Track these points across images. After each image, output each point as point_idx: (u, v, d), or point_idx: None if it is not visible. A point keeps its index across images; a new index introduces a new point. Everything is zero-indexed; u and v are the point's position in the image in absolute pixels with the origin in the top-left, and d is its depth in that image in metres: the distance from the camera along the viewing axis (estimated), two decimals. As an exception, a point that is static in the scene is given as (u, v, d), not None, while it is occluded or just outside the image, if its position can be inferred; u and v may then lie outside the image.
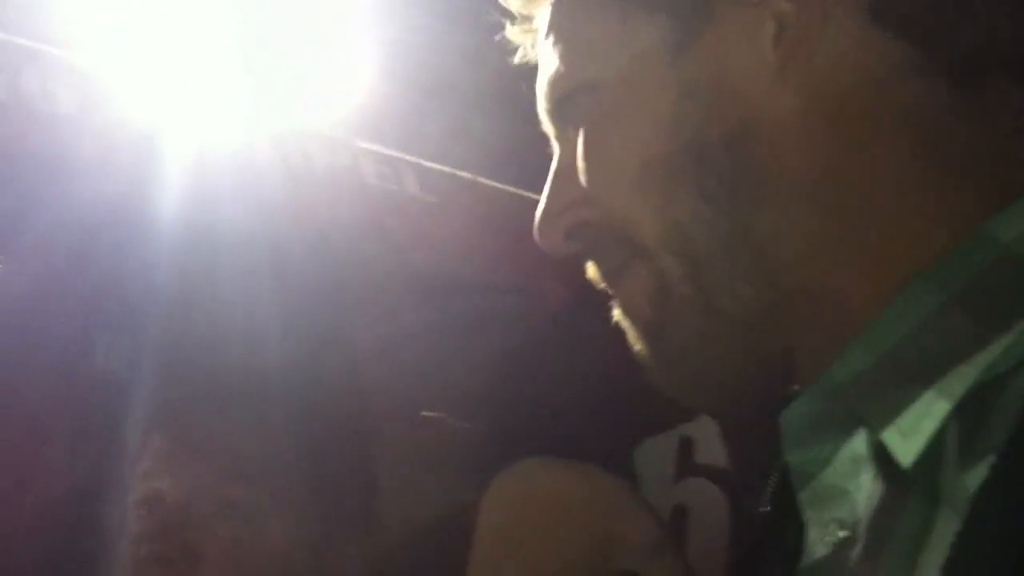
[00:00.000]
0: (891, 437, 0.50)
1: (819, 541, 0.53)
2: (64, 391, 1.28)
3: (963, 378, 0.48)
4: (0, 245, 1.24)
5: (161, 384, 1.14)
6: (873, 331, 0.50)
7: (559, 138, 0.65)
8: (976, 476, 0.45)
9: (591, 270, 0.65)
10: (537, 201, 0.66)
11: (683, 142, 0.56)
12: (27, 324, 1.29)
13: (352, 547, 1.08)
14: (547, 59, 0.63)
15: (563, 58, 0.62)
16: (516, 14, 0.68)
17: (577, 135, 0.61)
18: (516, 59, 0.68)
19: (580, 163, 0.60)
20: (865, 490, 0.52)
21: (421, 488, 1.12)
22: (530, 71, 0.68)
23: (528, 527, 0.76)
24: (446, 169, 1.14)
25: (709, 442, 1.25)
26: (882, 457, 0.51)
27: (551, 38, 0.63)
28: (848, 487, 0.53)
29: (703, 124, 0.56)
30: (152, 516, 1.04)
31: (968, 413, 0.47)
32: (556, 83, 0.62)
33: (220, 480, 1.05)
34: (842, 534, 0.52)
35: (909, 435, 0.49)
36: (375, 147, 1.12)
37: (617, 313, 0.63)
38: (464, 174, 1.18)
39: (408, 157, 1.11)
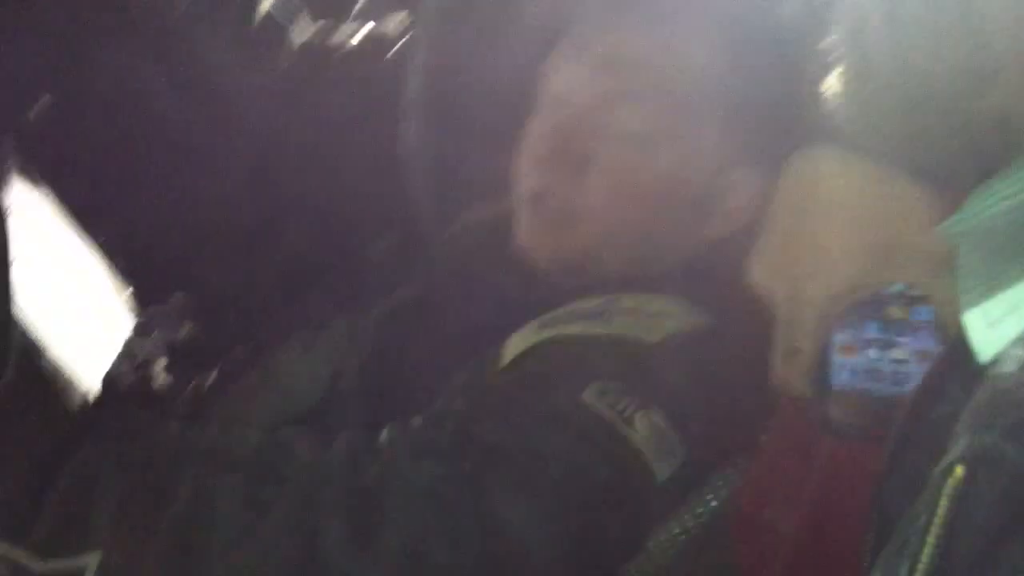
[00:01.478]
0: (975, 321, 0.45)
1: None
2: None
3: None
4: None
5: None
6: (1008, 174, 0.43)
7: None
8: None
9: None
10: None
11: None
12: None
13: (750, 182, 1.05)
14: None
15: None
16: None
17: None
18: None
19: None
20: None
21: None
22: None
23: (812, 219, 0.78)
24: None
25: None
26: None
27: None
28: None
29: None
30: (553, 114, 1.09)
31: None
32: None
33: (619, 96, 1.05)
34: None
35: (995, 326, 0.44)
36: None
37: None
38: None
39: None
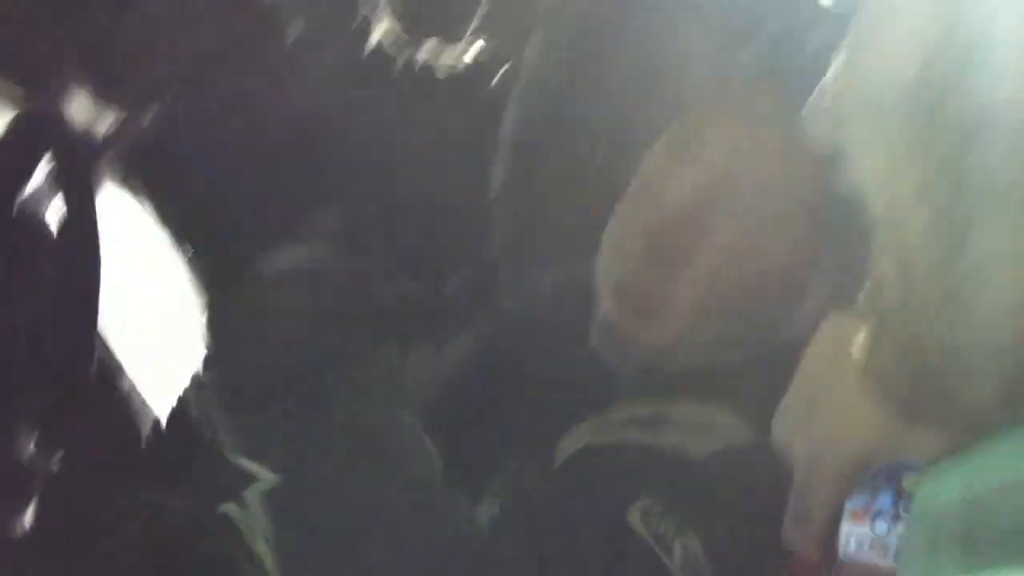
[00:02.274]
0: None
1: None
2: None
3: None
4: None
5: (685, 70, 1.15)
6: (970, 463, 0.41)
7: None
8: None
9: None
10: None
11: None
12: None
13: (823, 288, 1.04)
14: None
15: None
16: None
17: None
18: None
19: None
20: None
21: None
22: None
23: (833, 388, 0.77)
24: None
25: None
26: None
27: None
28: None
29: None
30: (651, 206, 1.08)
31: None
32: None
33: (723, 199, 1.05)
34: None
35: None
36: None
37: None
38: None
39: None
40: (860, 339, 0.53)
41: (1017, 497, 0.37)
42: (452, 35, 1.74)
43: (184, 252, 1.50)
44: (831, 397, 0.78)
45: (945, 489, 0.42)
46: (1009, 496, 0.37)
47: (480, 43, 1.75)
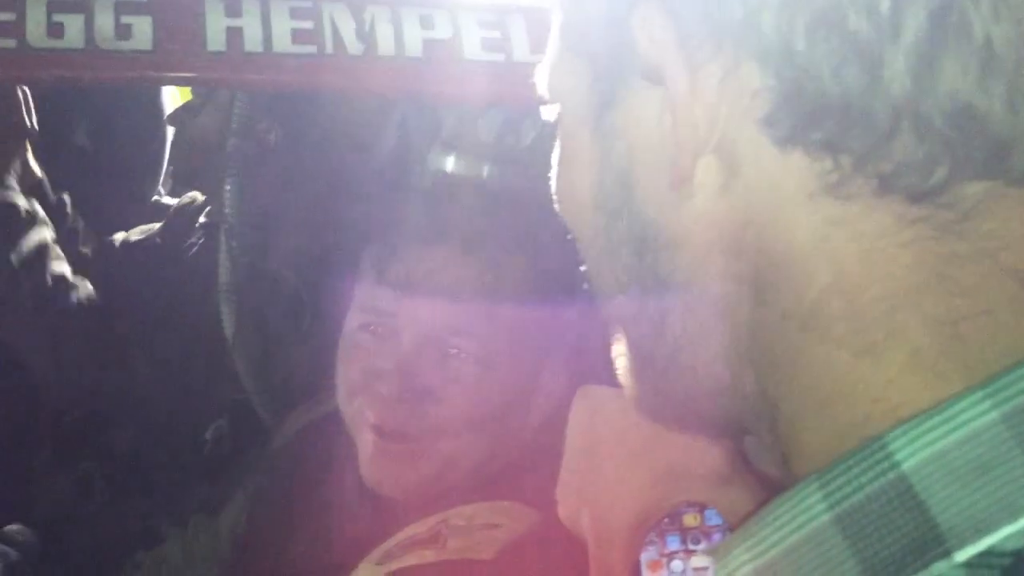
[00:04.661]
0: None
1: None
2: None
3: None
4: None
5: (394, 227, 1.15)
6: (754, 528, 0.40)
7: None
8: None
9: None
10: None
11: (598, 222, 0.46)
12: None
13: (555, 374, 1.11)
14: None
15: (550, 49, 0.47)
16: None
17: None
18: None
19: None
20: None
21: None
22: None
23: (600, 457, 0.83)
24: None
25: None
26: None
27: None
28: None
29: (614, 213, 0.45)
30: (388, 357, 1.09)
31: None
32: (543, 71, 0.48)
33: (451, 328, 1.08)
34: None
35: None
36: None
37: None
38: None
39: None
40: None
41: (801, 556, 0.38)
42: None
43: None
44: (600, 464, 0.83)
45: (734, 560, 0.41)
46: (795, 556, 0.39)
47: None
